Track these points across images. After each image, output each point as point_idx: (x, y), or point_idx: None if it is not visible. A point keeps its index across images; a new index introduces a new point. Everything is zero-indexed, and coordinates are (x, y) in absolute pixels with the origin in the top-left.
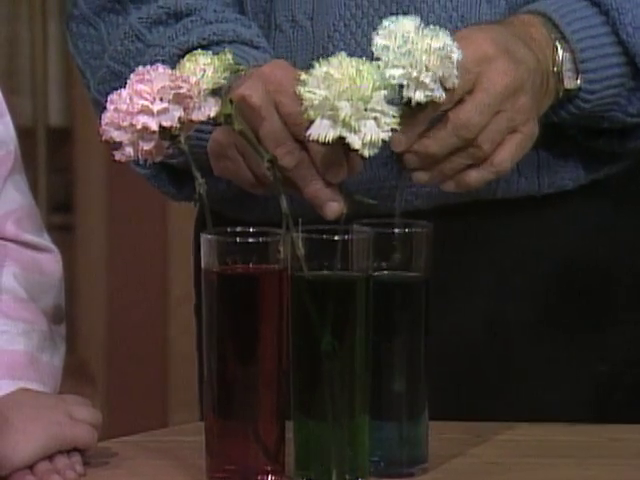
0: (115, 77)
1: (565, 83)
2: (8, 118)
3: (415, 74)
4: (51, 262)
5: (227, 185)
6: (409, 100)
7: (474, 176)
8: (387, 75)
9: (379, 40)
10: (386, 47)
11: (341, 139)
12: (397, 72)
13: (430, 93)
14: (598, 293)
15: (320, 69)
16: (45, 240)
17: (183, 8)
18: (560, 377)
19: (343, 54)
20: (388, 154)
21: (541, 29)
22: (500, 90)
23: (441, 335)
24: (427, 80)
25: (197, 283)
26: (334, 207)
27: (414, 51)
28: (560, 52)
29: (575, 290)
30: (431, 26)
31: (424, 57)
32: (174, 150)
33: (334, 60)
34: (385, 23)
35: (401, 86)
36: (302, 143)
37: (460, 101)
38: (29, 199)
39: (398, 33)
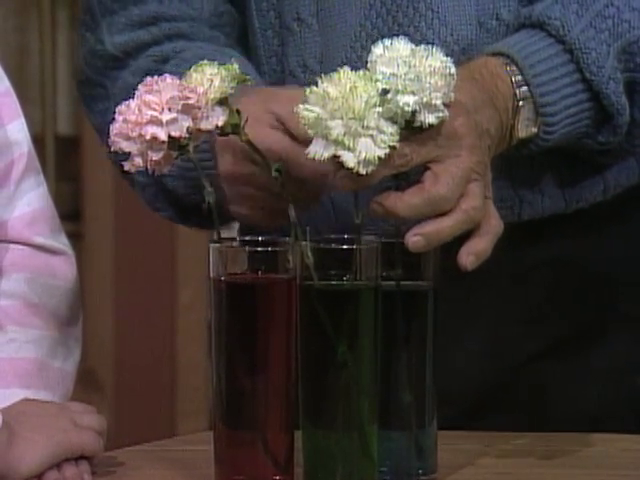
0: None
1: (520, 133)
2: (22, 120)
3: (426, 99)
4: (65, 264)
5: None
6: (409, 124)
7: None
8: (401, 103)
9: (384, 68)
10: (393, 75)
11: (336, 157)
12: (411, 99)
13: (440, 114)
14: (622, 313)
15: (321, 86)
16: (60, 242)
17: (171, 53)
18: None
19: (346, 68)
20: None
21: (506, 79)
22: (469, 165)
23: (454, 349)
24: (438, 102)
25: None
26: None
27: (421, 75)
28: (521, 103)
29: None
30: (422, 46)
31: (430, 79)
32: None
33: (335, 75)
34: (378, 51)
35: (413, 112)
36: None
37: (425, 169)
38: (45, 200)
39: (399, 59)
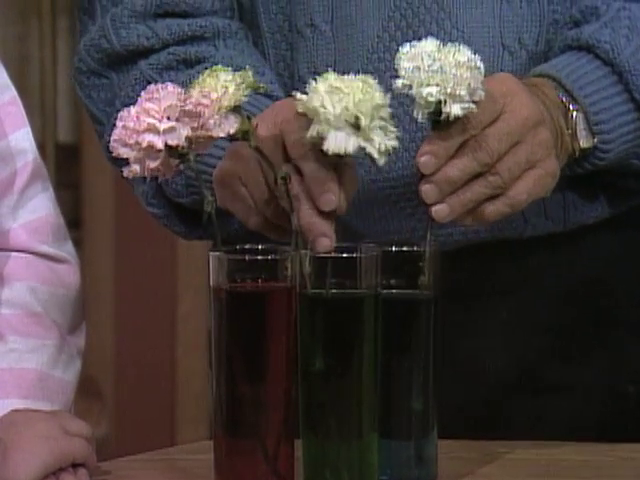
0: None
1: (581, 143)
2: (27, 129)
3: (449, 89)
4: (68, 273)
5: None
6: (438, 119)
7: (490, 209)
8: (424, 94)
9: (406, 63)
10: (417, 68)
11: (362, 149)
12: (433, 90)
13: (467, 105)
14: (622, 319)
15: (322, 85)
16: (64, 251)
17: (193, 56)
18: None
19: (332, 73)
20: (415, 204)
21: (552, 92)
22: (520, 121)
23: (461, 359)
24: (463, 92)
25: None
26: (325, 242)
27: (445, 67)
28: (574, 114)
29: (599, 317)
30: (449, 44)
31: (455, 71)
32: (182, 188)
33: (330, 76)
34: (405, 49)
35: (438, 103)
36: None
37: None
38: (50, 208)
39: (423, 54)
